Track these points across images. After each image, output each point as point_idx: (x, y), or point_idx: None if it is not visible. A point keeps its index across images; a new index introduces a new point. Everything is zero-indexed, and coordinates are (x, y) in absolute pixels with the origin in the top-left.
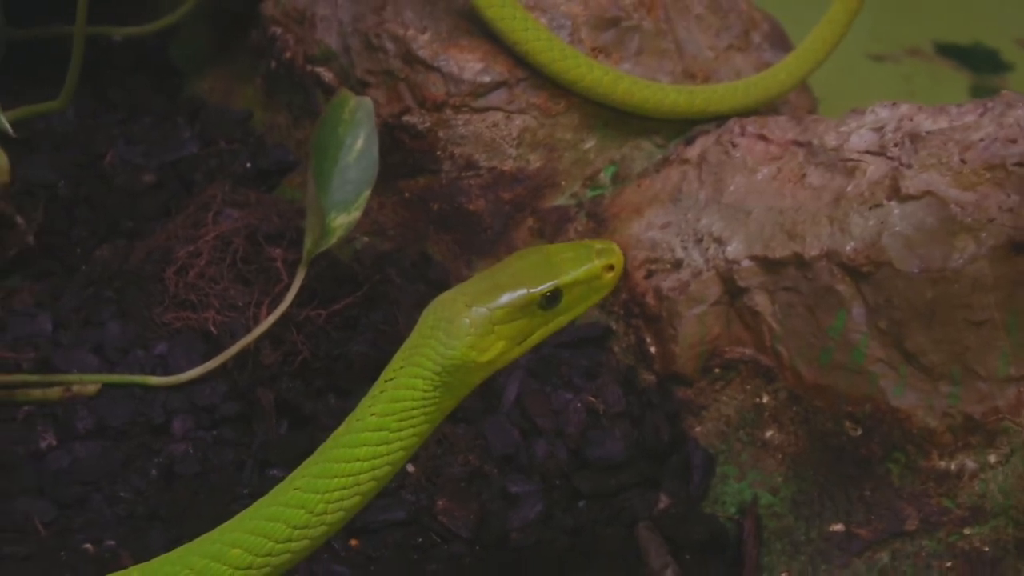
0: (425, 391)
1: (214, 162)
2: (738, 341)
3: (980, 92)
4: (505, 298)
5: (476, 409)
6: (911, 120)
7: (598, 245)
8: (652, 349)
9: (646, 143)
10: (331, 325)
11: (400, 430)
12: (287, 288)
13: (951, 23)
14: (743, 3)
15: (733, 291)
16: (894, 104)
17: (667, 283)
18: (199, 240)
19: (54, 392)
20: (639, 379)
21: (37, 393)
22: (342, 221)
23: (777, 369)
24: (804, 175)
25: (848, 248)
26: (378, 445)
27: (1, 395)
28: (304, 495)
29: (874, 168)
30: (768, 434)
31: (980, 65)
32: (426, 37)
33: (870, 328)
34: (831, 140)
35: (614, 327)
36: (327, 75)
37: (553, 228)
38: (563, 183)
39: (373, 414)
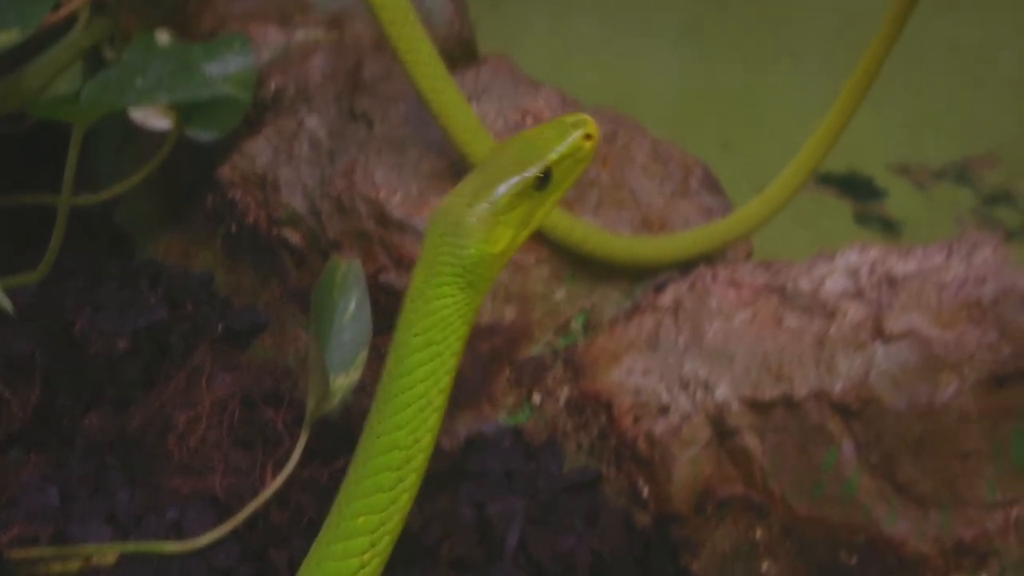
0: (454, 296)
1: (186, 326)
2: (730, 479)
3: (863, 219)
4: (503, 188)
5: (479, 558)
6: (883, 263)
7: (571, 119)
8: (645, 491)
9: (613, 292)
10: (334, 483)
11: (445, 339)
12: (289, 448)
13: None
14: (676, 150)
15: (723, 433)
16: (862, 248)
17: (658, 428)
18: (197, 406)
19: (73, 564)
20: (635, 520)
21: (57, 567)
22: (343, 382)
23: (769, 504)
24: (781, 319)
25: (837, 388)
26: (432, 360)
27: (23, 572)
28: (390, 436)
29: (854, 311)
30: (764, 566)
31: (858, 192)
32: (398, 198)
33: (861, 463)
34: (804, 284)
35: (605, 471)
36: (294, 237)
37: (531, 377)
38: (537, 333)
39: (416, 335)
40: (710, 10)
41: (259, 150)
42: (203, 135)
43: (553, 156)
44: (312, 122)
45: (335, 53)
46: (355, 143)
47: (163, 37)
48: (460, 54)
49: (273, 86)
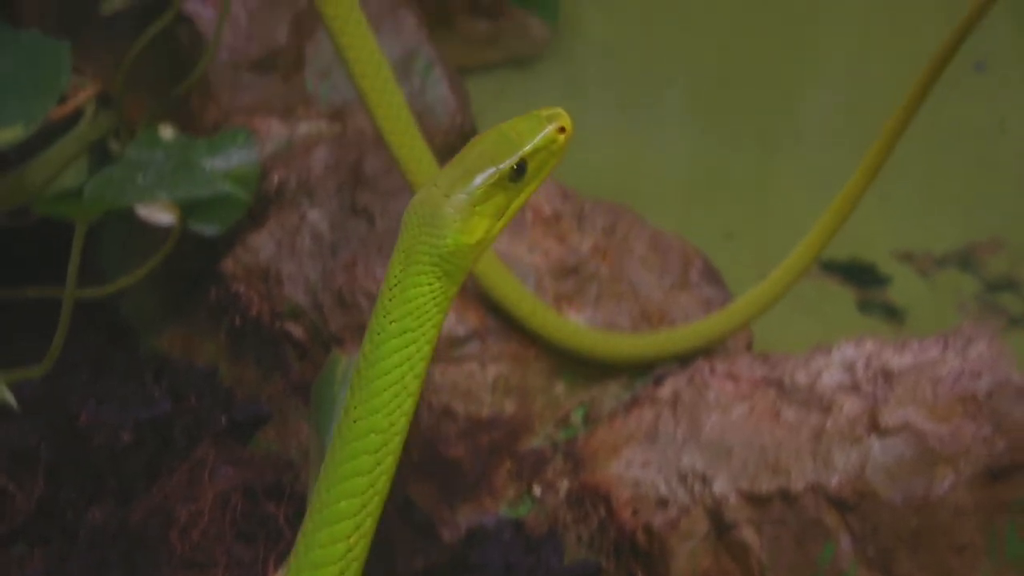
0: (431, 284)
1: (189, 419)
2: (728, 573)
3: (866, 306)
4: (479, 179)
5: None
6: (879, 357)
7: (545, 112)
8: None
9: (612, 384)
10: None
11: (421, 327)
12: (290, 542)
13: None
14: (676, 240)
15: (721, 526)
16: (858, 342)
17: (657, 520)
18: (199, 499)
19: None
20: None
21: None
22: None
23: None
24: (778, 412)
25: (833, 481)
26: (408, 346)
27: None
28: (367, 420)
29: (850, 405)
30: None
31: (861, 279)
32: None
33: (858, 556)
34: (801, 378)
35: (604, 564)
36: (297, 331)
37: (531, 470)
38: (537, 426)
39: (392, 321)
40: (716, 91)
41: (262, 243)
42: (205, 230)
43: (528, 148)
44: (314, 216)
45: (337, 147)
46: (356, 237)
47: (167, 132)
48: (461, 147)
49: (276, 179)
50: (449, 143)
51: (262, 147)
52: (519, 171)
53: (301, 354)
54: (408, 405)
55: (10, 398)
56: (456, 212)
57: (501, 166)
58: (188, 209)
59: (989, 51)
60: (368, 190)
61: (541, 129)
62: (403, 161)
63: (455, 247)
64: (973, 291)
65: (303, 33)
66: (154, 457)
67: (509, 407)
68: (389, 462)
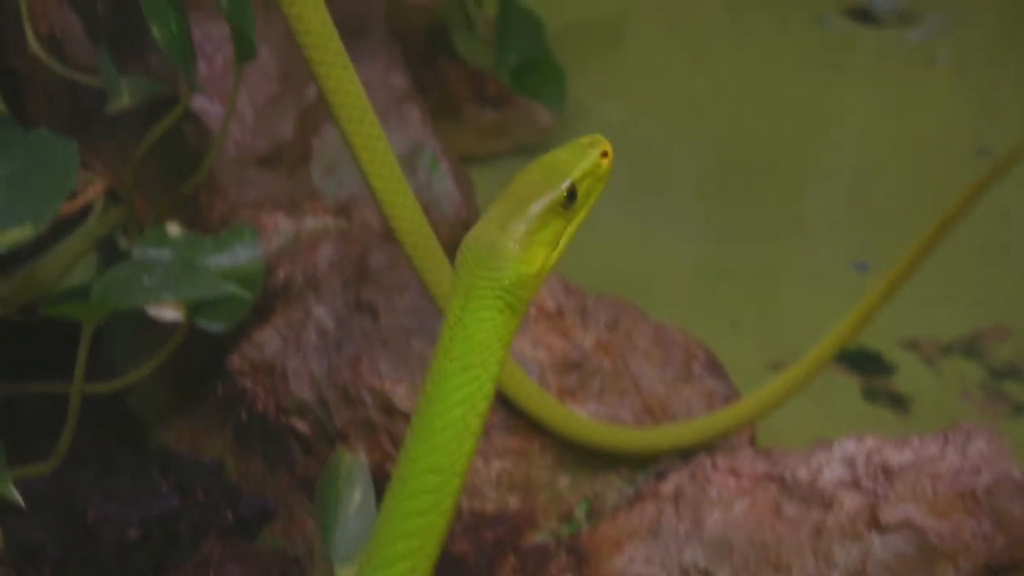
0: (493, 319)
1: (196, 514)
2: None
3: (872, 395)
4: (534, 208)
5: None
6: (879, 453)
7: (585, 140)
8: None
9: (615, 479)
10: None
11: (483, 363)
12: None
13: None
14: (679, 334)
15: None
16: (859, 438)
17: None
18: None
19: None
20: None
21: None
22: (348, 573)
23: None
24: (780, 508)
25: None
26: (469, 384)
27: None
28: (426, 460)
29: (850, 501)
30: None
31: (867, 367)
32: (403, 388)
33: None
34: (803, 474)
35: None
36: (302, 426)
37: (535, 566)
38: (540, 521)
39: (453, 360)
40: (721, 181)
41: (268, 339)
42: (211, 326)
43: (576, 174)
44: (320, 311)
45: (342, 242)
46: (361, 333)
47: (174, 229)
48: None
49: (282, 275)
50: (454, 236)
51: (268, 242)
52: (571, 197)
53: (306, 449)
54: (469, 445)
55: (16, 497)
56: (515, 243)
57: (554, 193)
58: (194, 307)
59: (993, 136)
60: (373, 285)
61: (585, 156)
62: (408, 246)
63: (516, 278)
64: (978, 379)
65: (309, 128)
66: (160, 553)
67: (513, 502)
68: (448, 503)
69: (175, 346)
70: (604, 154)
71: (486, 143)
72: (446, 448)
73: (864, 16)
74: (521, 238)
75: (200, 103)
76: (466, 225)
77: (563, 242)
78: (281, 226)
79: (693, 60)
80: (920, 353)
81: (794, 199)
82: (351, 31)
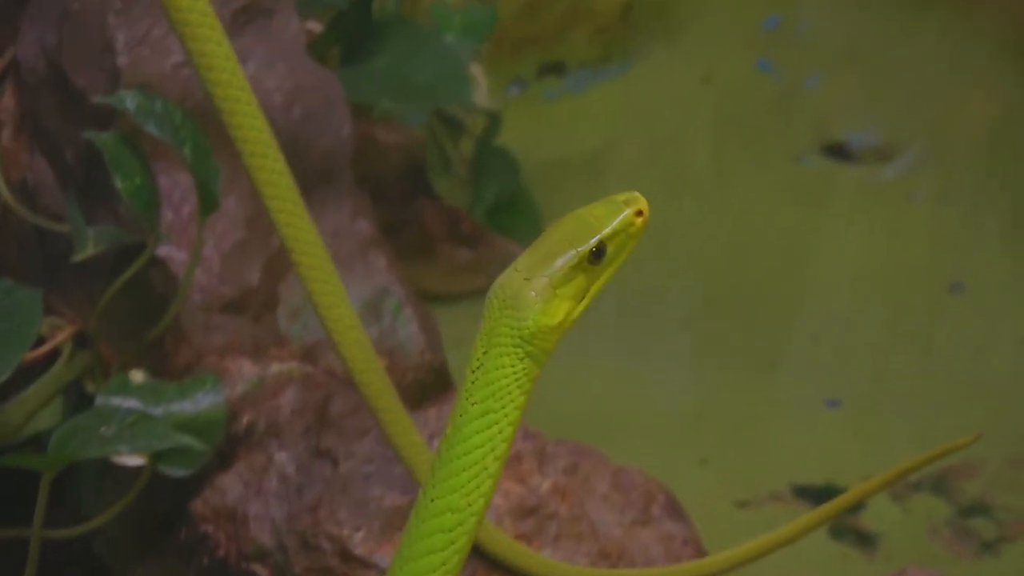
0: (514, 366)
1: None
2: None
3: (838, 533)
4: (560, 262)
5: None
6: None
7: (622, 197)
8: None
9: None
10: None
11: (503, 408)
12: None
13: (806, 465)
14: (639, 476)
15: None
16: None
17: None
18: None
19: None
20: None
21: None
22: None
23: None
24: None
25: None
26: (489, 428)
27: None
28: (444, 500)
29: None
30: None
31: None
32: (361, 535)
33: None
34: None
35: None
36: (263, 572)
37: None
38: None
39: (474, 403)
40: (696, 321)
41: (230, 484)
42: (174, 472)
43: (607, 231)
44: (282, 457)
45: (305, 387)
46: (321, 479)
47: (137, 376)
48: (432, 382)
49: (245, 420)
50: (419, 379)
51: (232, 388)
52: (598, 254)
53: None
54: (487, 487)
55: None
56: (537, 294)
57: (580, 249)
58: (156, 454)
59: (967, 273)
60: (334, 432)
61: (619, 213)
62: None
63: (536, 329)
64: (946, 516)
65: (275, 275)
66: None
67: None
68: (463, 542)
69: (138, 491)
70: (639, 213)
71: (460, 282)
72: (464, 488)
73: (841, 153)
74: (544, 290)
75: (167, 250)
76: (431, 368)
77: (589, 296)
78: (246, 371)
79: (672, 196)
80: (889, 490)
81: (770, 334)
82: (318, 176)
